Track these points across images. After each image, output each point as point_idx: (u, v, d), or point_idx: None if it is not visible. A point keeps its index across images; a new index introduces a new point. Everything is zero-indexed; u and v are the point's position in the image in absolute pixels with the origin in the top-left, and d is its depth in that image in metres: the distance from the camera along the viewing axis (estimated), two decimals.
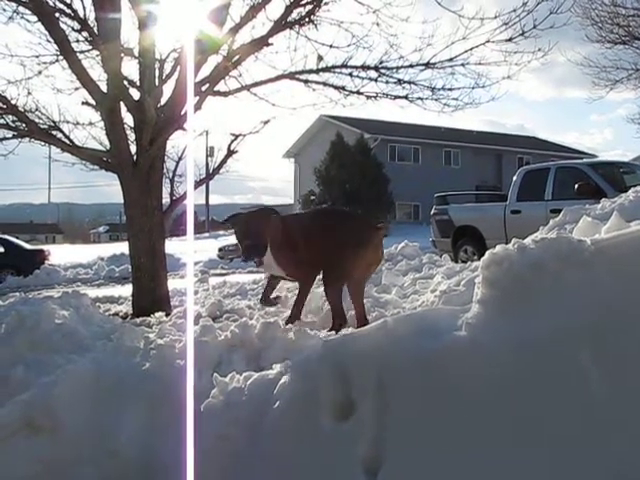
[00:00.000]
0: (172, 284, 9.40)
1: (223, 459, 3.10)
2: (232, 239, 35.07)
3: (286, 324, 4.68)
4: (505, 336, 2.62)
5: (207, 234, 47.05)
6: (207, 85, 8.30)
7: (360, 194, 35.23)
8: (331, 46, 8.76)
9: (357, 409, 2.74)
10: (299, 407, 2.90)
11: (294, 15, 8.21)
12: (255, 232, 4.86)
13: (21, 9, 7.96)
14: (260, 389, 3.14)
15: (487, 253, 2.88)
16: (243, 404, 3.16)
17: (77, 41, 8.47)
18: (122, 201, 8.52)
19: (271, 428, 2.98)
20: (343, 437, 2.73)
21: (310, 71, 8.86)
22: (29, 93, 8.48)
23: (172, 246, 12.97)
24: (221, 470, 3.08)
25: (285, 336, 4.10)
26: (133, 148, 8.37)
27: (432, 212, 15.35)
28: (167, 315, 6.36)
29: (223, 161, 9.45)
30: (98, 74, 8.35)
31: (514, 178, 13.41)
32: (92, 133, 9.09)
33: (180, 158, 9.79)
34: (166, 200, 9.14)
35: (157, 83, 8.46)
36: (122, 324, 5.54)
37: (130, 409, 3.66)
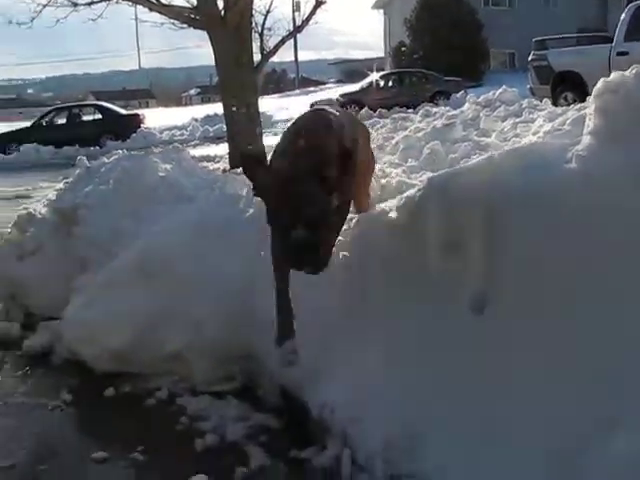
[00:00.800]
0: (266, 141, 9.44)
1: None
2: (323, 94, 34.64)
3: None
4: (619, 167, 2.51)
5: (297, 91, 46.64)
6: None
7: (452, 43, 33.86)
8: None
9: (464, 246, 2.71)
10: (404, 246, 2.90)
11: None
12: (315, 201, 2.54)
13: None
14: (366, 228, 3.15)
15: (600, 81, 2.71)
16: (347, 245, 3.19)
17: None
18: (211, 63, 8.48)
19: (376, 268, 3.01)
20: (450, 275, 2.73)
21: None
22: None
23: (264, 104, 12.92)
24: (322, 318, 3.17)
25: (388, 179, 4.07)
26: (220, 3, 8.22)
27: (530, 58, 14.64)
28: None
29: (311, 12, 9.21)
30: None
31: (622, 16, 12.48)
32: None
33: (268, 11, 9.58)
34: (256, 55, 9.04)
35: None
36: (223, 175, 5.62)
37: (234, 255, 3.76)
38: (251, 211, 3.92)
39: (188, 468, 2.74)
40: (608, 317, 2.30)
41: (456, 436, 2.41)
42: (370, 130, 9.19)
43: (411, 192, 2.98)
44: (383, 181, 4.09)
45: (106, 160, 5.79)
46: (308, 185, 2.53)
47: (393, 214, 3.04)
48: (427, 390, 2.58)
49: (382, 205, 3.26)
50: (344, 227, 3.14)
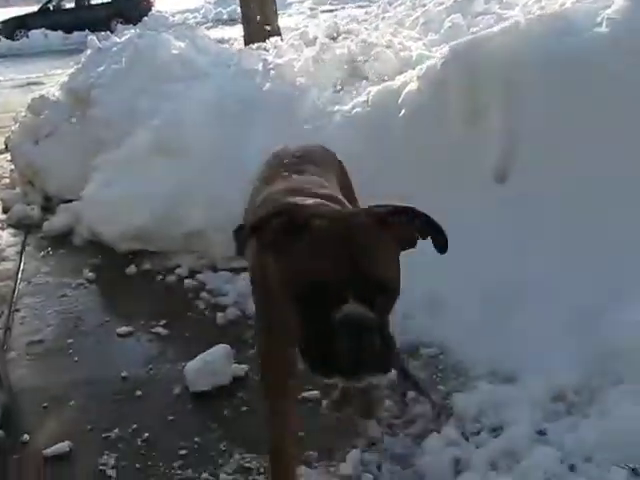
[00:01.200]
0: (281, 22, 9.17)
1: None
2: None
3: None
4: None
5: None
6: None
7: None
8: None
9: (486, 115, 2.64)
10: (425, 115, 2.82)
11: None
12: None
13: None
14: (384, 99, 3.06)
15: None
16: (367, 116, 3.10)
17: None
18: None
19: (397, 139, 2.94)
20: (472, 144, 2.67)
21: None
22: None
23: None
24: None
25: (407, 52, 3.92)
26: None
27: None
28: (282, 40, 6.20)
29: None
30: None
31: None
32: None
33: None
34: None
35: None
36: (239, 51, 5.44)
37: (251, 130, 3.69)
38: (268, 85, 3.81)
39: (210, 339, 2.77)
40: (631, 189, 2.27)
41: (474, 304, 2.42)
42: (388, 8, 8.88)
43: (432, 62, 2.88)
44: (402, 54, 3.94)
45: (118, 40, 5.64)
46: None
47: (413, 85, 2.94)
48: (447, 259, 2.57)
49: (401, 77, 3.15)
50: None
